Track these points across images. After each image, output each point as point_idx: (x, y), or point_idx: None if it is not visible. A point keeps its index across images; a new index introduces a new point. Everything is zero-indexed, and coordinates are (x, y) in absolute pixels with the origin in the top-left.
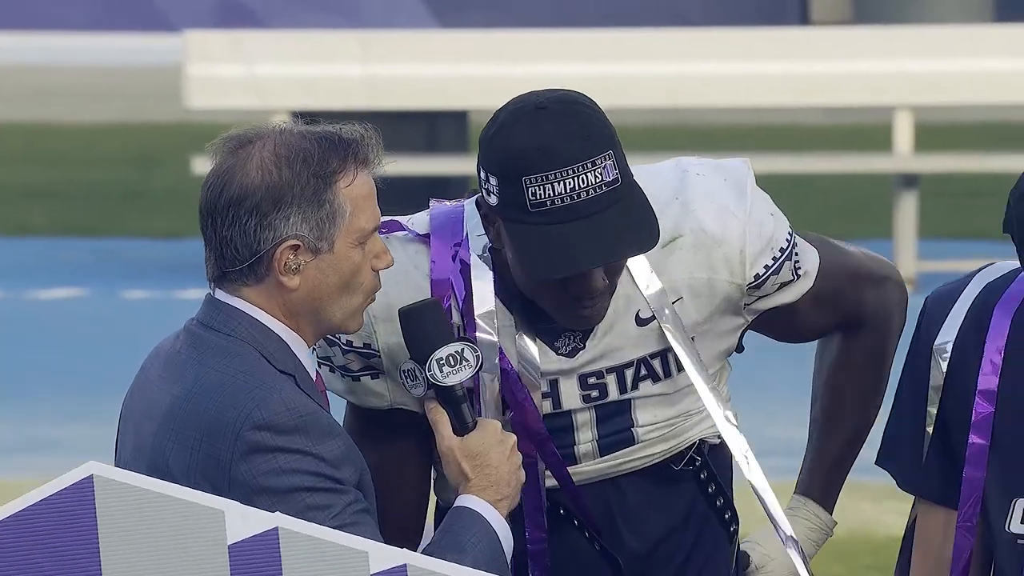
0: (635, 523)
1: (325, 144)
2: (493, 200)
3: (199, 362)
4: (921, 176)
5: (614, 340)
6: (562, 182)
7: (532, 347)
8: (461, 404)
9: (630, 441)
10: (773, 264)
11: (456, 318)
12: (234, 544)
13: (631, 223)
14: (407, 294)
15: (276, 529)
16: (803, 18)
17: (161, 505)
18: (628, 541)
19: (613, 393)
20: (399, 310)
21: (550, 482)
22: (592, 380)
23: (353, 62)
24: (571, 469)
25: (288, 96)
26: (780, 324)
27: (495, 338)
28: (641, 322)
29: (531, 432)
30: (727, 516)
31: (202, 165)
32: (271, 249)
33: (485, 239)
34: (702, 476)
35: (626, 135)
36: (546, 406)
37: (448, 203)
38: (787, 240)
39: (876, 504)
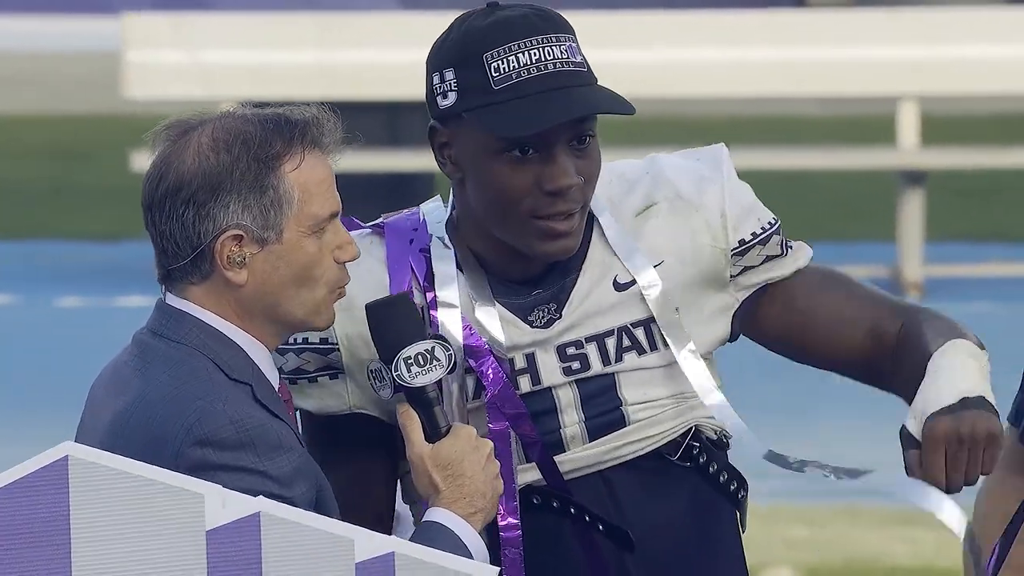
0: (629, 519)
1: (269, 126)
2: (451, 99)
3: (142, 373)
4: (928, 172)
5: (592, 307)
6: (526, 52)
7: (500, 319)
8: (432, 407)
9: (620, 422)
10: (761, 233)
11: (419, 298)
12: (212, 530)
13: (607, 93)
14: (362, 279)
15: (258, 515)
16: (799, 1)
17: (137, 487)
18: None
19: (596, 365)
20: (365, 305)
21: (531, 475)
22: (571, 351)
23: (308, 47)
24: (559, 458)
25: (237, 85)
26: (786, 318)
27: (457, 312)
28: (619, 287)
29: (509, 408)
30: (733, 488)
31: (141, 160)
32: (211, 241)
33: (442, 229)
34: (701, 461)
35: (605, 128)
36: (524, 384)
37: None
38: (773, 219)
39: (880, 531)
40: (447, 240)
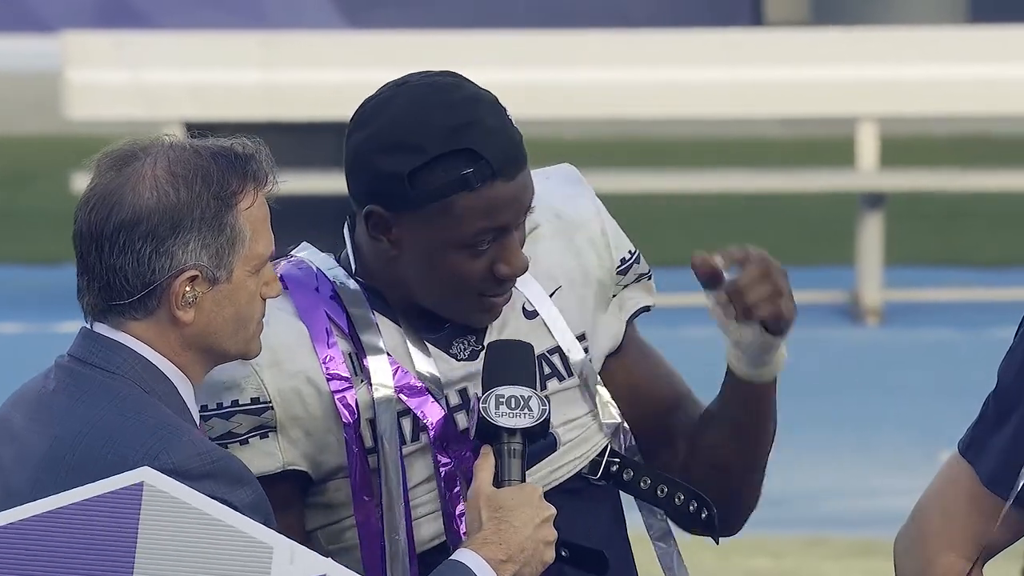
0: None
1: (222, 162)
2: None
3: (83, 400)
4: (887, 195)
5: (511, 336)
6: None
7: (429, 357)
8: (506, 457)
9: (552, 446)
10: (634, 252)
11: (345, 346)
12: None
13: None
14: (282, 334)
15: None
16: (756, 18)
17: (208, 527)
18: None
19: None
20: (488, 344)
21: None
22: None
23: (252, 67)
24: None
25: (179, 105)
26: (628, 354)
27: (385, 356)
28: (528, 315)
29: (453, 446)
30: (663, 494)
31: (83, 182)
32: (167, 280)
33: (340, 272)
34: (625, 477)
35: (558, 150)
36: (462, 420)
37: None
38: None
39: (841, 562)
40: (354, 284)
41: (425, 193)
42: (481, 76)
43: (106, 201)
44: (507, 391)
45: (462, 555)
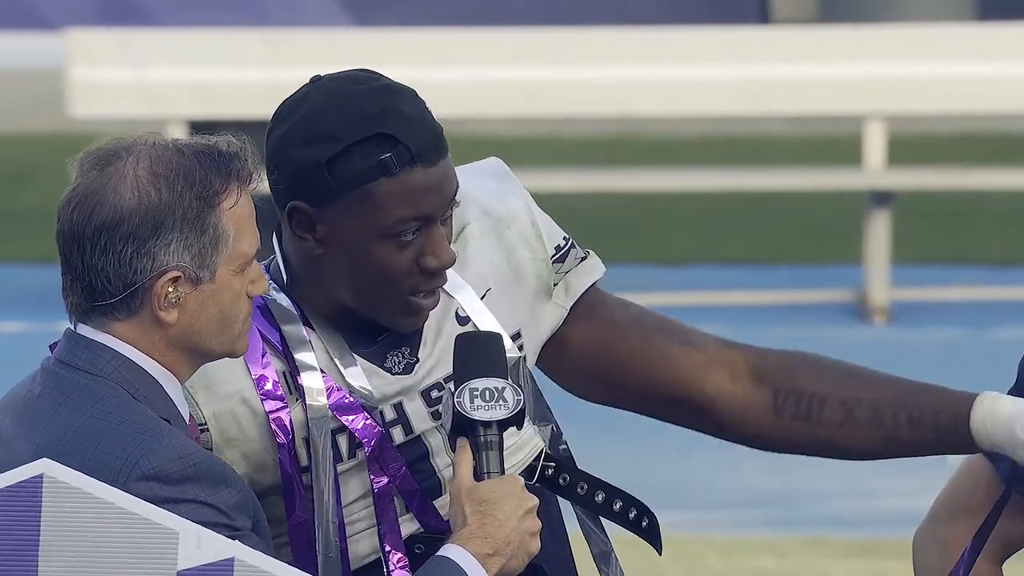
0: None
1: (205, 161)
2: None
3: (66, 405)
4: (895, 193)
5: (445, 345)
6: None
7: (363, 372)
8: (484, 450)
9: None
10: (568, 239)
11: (279, 364)
12: (184, 570)
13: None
14: None
15: (232, 559)
16: (763, 16)
17: (112, 516)
18: None
19: None
20: (456, 336)
21: (412, 526)
22: (435, 393)
23: (256, 65)
24: (438, 503)
25: (183, 103)
26: (602, 334)
27: (318, 373)
28: (461, 320)
29: (390, 461)
30: (600, 499)
31: None
32: (149, 281)
33: (271, 285)
34: (561, 482)
35: (561, 148)
36: (398, 435)
37: None
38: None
39: (846, 562)
40: (285, 300)
41: (344, 181)
42: (483, 74)
43: (88, 201)
44: (480, 383)
45: (449, 551)
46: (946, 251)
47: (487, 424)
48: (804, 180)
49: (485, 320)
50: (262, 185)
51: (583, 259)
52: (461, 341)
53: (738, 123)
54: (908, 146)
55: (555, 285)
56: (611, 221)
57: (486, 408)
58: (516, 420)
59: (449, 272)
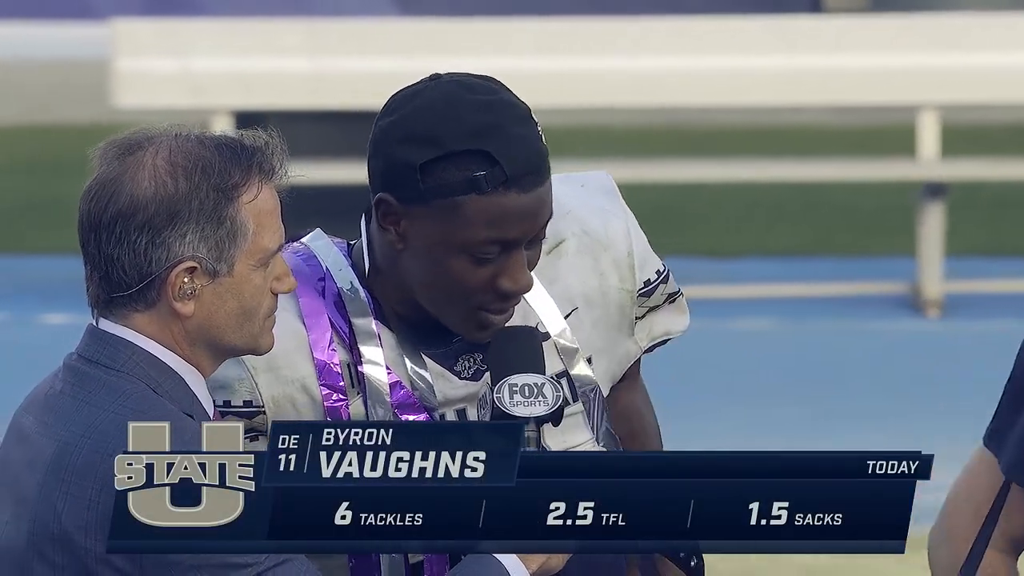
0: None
1: (226, 153)
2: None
3: (87, 401)
4: (949, 185)
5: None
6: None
7: (430, 373)
8: (528, 445)
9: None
10: (663, 271)
11: (343, 355)
12: None
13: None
14: (284, 337)
15: None
16: (813, 6)
17: None
18: None
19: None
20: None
21: None
22: None
23: (299, 55)
24: None
25: (227, 94)
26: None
27: (384, 369)
28: (541, 336)
29: None
30: None
31: None
32: (164, 271)
33: (350, 273)
34: None
35: (609, 138)
36: None
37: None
38: (662, 264)
39: (901, 560)
40: (361, 292)
41: (434, 188)
42: (529, 64)
43: (105, 190)
44: (520, 379)
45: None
46: (1000, 243)
47: (526, 420)
48: (858, 171)
49: (561, 333)
50: (286, 179)
51: (671, 298)
52: (500, 336)
53: (787, 113)
54: (963, 136)
55: (638, 319)
56: (659, 212)
57: (525, 404)
58: (554, 416)
59: (535, 283)
